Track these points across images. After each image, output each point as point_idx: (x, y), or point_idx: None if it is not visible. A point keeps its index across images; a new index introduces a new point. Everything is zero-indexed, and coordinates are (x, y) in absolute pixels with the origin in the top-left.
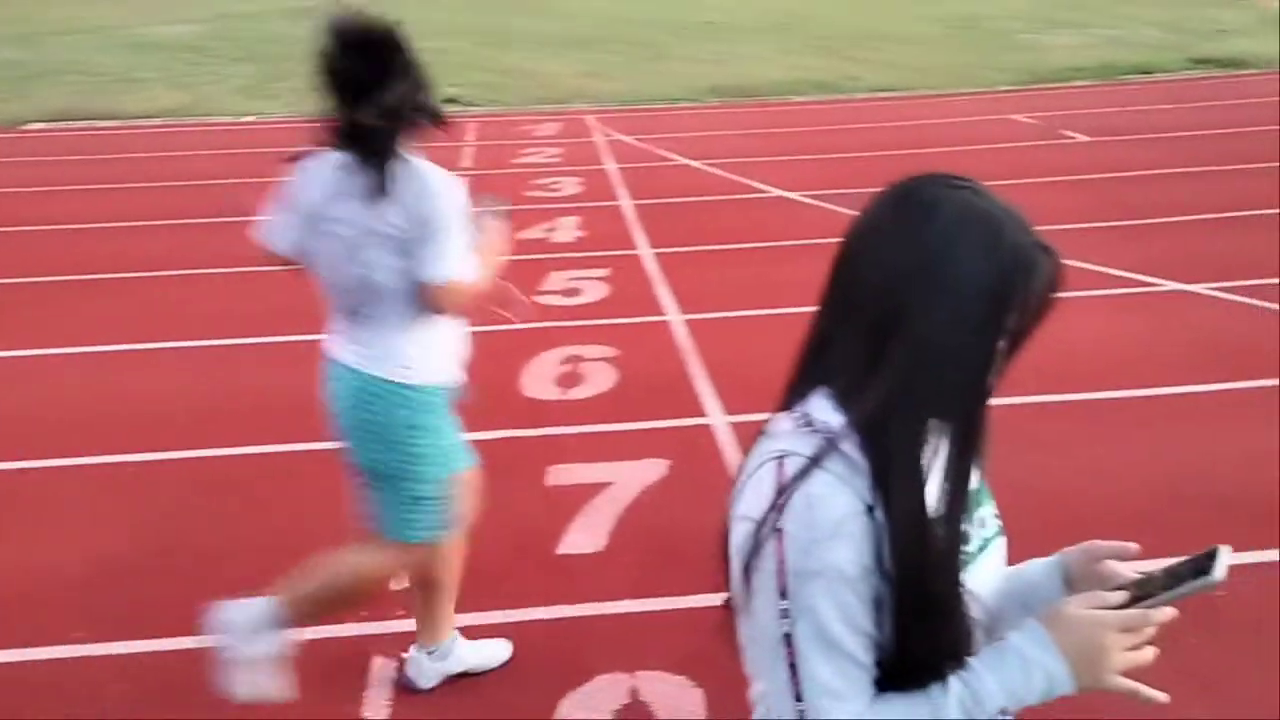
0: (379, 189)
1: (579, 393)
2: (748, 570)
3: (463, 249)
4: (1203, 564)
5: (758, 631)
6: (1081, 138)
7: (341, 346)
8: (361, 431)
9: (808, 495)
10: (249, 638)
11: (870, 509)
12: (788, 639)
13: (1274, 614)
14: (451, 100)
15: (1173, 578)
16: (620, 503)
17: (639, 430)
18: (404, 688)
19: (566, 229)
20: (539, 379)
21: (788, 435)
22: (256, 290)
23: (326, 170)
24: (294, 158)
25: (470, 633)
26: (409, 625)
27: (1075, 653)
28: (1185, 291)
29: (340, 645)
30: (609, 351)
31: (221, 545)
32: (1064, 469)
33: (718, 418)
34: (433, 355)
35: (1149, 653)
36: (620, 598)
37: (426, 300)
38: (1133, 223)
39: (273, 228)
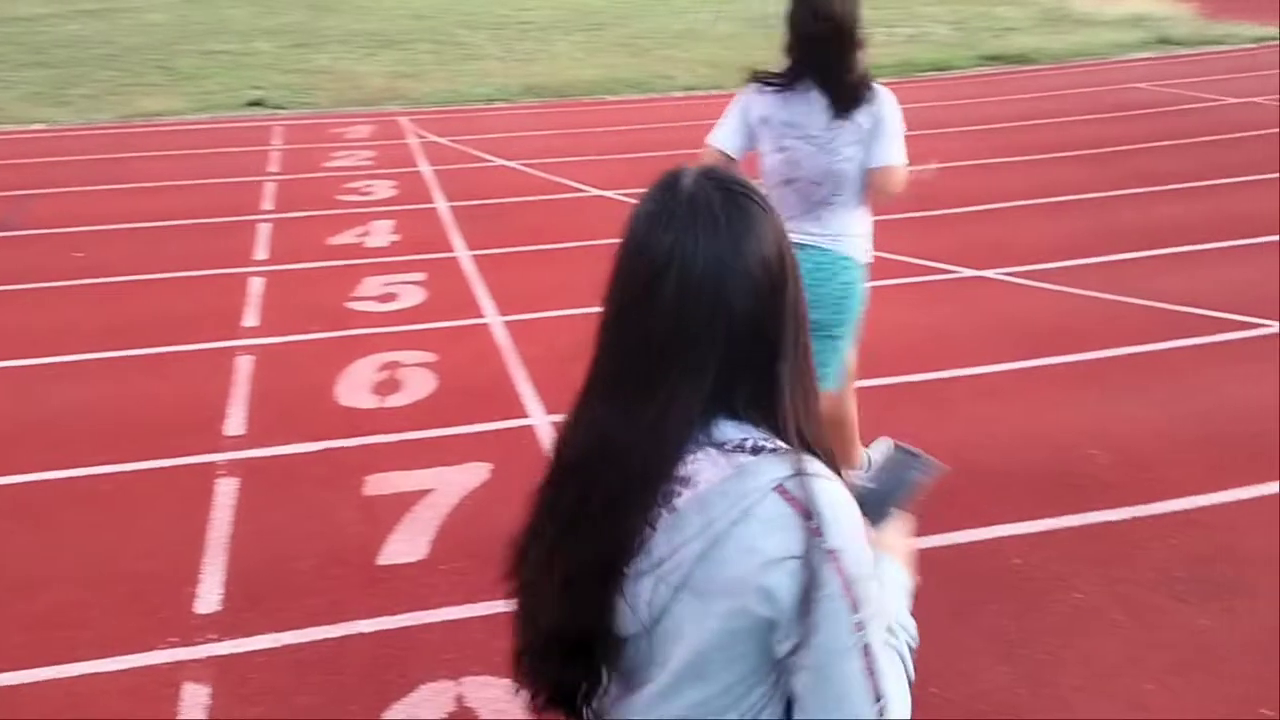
0: (853, 103)
1: (397, 400)
2: (807, 606)
3: (902, 143)
4: (905, 465)
5: (823, 657)
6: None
7: (804, 233)
8: (814, 299)
9: (832, 507)
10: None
11: None
12: (866, 649)
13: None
14: (257, 103)
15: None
16: (442, 509)
17: (460, 435)
18: (219, 716)
19: (381, 233)
20: (355, 387)
21: (752, 465)
22: (48, 306)
23: (791, 93)
24: (753, 80)
25: (290, 652)
26: (221, 649)
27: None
28: (981, 277)
29: (150, 673)
30: (427, 356)
31: (27, 574)
32: None
33: (540, 418)
34: (868, 239)
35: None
36: (444, 605)
37: (878, 182)
38: (933, 213)
39: (724, 137)
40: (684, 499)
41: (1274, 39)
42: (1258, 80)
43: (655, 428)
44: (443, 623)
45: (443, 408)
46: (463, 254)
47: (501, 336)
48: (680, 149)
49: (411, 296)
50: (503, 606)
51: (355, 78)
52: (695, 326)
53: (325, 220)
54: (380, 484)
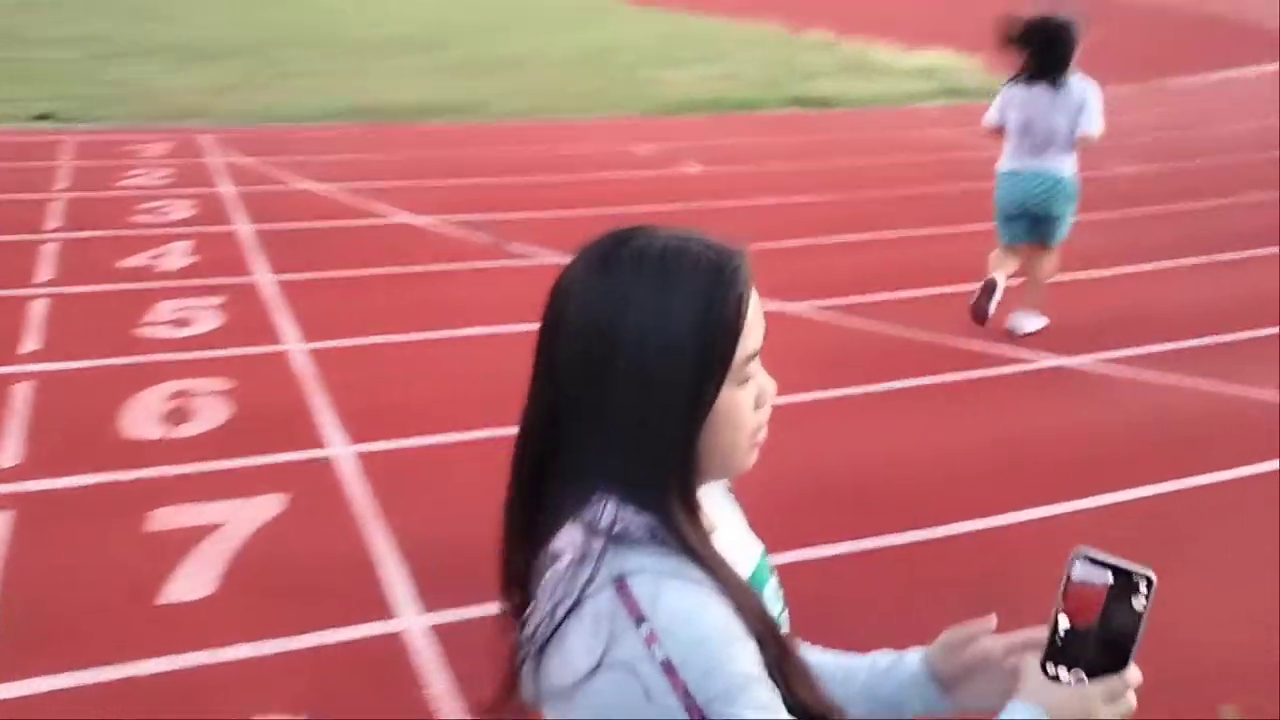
0: (1063, 86)
1: (187, 430)
2: None
3: (1099, 113)
4: (1120, 591)
5: None
6: (697, 166)
7: (1026, 165)
8: (1050, 201)
9: (682, 611)
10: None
11: (724, 596)
12: None
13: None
14: (45, 116)
15: (1106, 625)
16: (232, 543)
17: (254, 466)
18: None
19: (176, 255)
20: (141, 417)
21: (596, 552)
22: None
23: (1026, 86)
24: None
25: (66, 695)
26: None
27: None
28: (785, 313)
29: None
30: (222, 384)
31: None
32: None
33: (341, 448)
34: (1074, 169)
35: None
36: (234, 642)
37: (1079, 140)
38: (754, 245)
39: (993, 118)
40: (549, 575)
41: None
42: None
43: (526, 489)
44: (232, 662)
45: (236, 438)
46: (264, 278)
47: (303, 364)
48: (499, 175)
49: (207, 321)
50: (296, 642)
51: (159, 92)
52: (576, 378)
53: (116, 241)
54: (166, 518)
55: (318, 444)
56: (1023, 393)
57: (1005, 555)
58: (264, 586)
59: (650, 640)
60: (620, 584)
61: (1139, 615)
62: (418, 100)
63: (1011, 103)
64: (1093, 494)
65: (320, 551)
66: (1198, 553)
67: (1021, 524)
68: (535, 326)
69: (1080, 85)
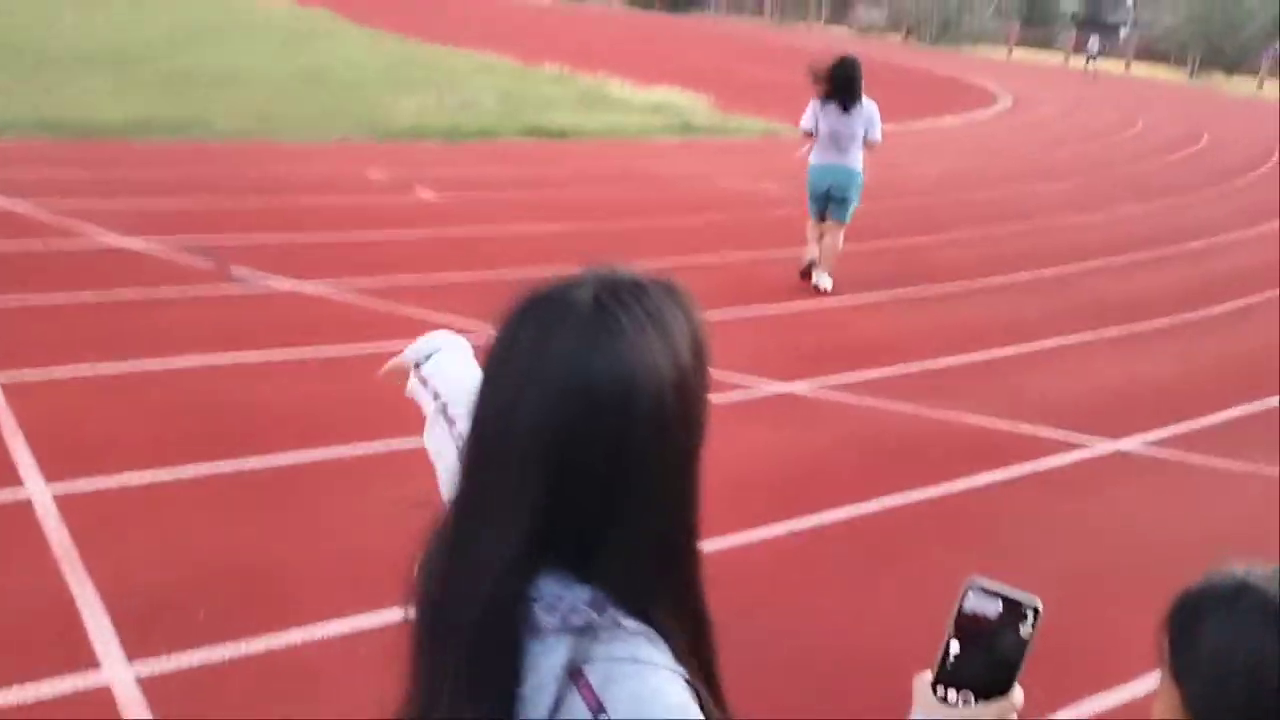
0: (854, 108)
1: None
2: None
3: (879, 125)
4: (1008, 620)
5: None
6: (431, 193)
7: (829, 160)
8: (843, 187)
9: (635, 698)
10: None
11: (688, 680)
12: None
13: None
14: None
15: (989, 645)
16: None
17: None
18: None
19: None
20: None
21: (551, 635)
22: None
23: (828, 104)
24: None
25: None
26: None
27: None
28: None
29: None
30: None
31: None
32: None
33: (39, 489)
34: (862, 165)
35: None
36: None
37: (868, 144)
38: (489, 273)
39: (807, 125)
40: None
41: (777, 132)
42: (764, 167)
43: (484, 563)
44: None
45: None
46: None
47: None
48: (224, 197)
49: None
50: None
51: None
52: (514, 446)
53: None
54: None
55: (12, 483)
56: (743, 419)
57: (719, 579)
58: None
59: None
60: (573, 672)
61: (1025, 642)
62: (124, 116)
63: (821, 116)
64: (805, 514)
65: (17, 600)
66: (904, 568)
67: (739, 548)
68: (259, 355)
69: (868, 105)
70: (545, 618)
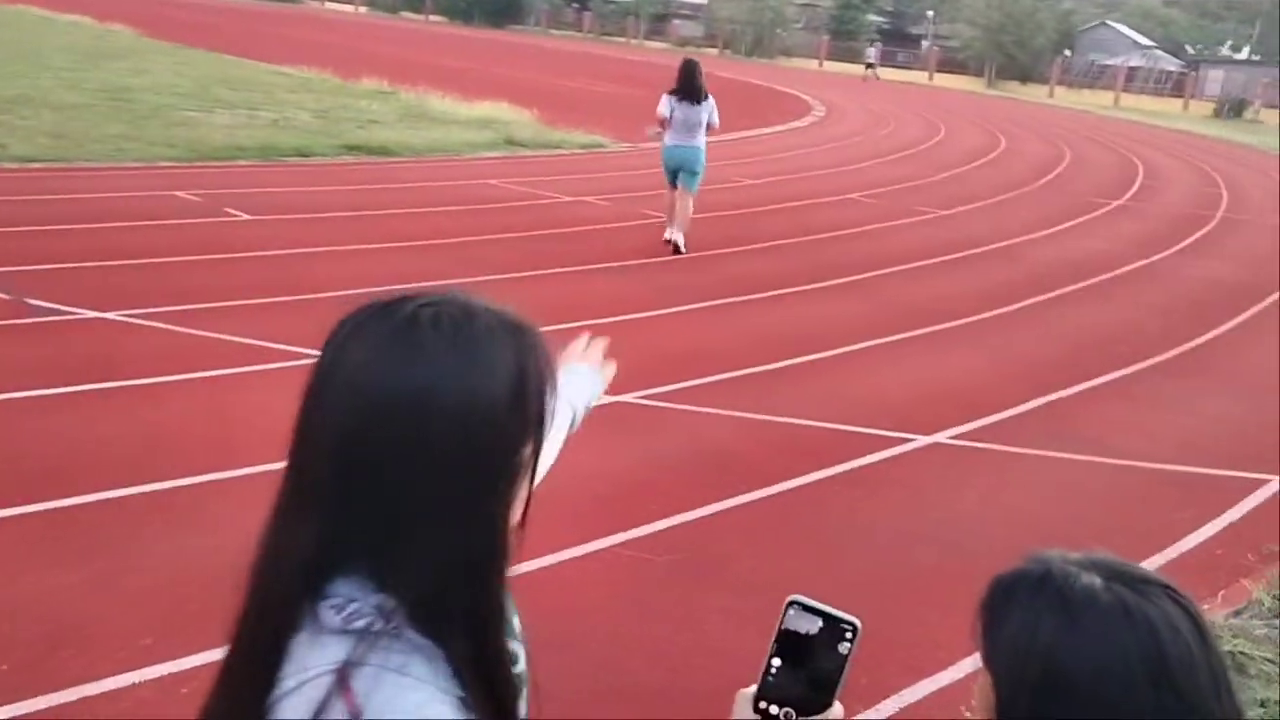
0: (699, 101)
1: None
2: None
3: (717, 114)
4: (827, 636)
5: None
6: (245, 215)
7: (679, 141)
8: (691, 161)
9: (391, 710)
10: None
11: (463, 699)
12: None
13: None
14: None
15: (809, 665)
16: None
17: None
18: None
19: None
20: None
21: (328, 639)
22: None
23: (682, 99)
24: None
25: None
26: None
27: None
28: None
29: None
30: None
31: None
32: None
33: None
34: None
35: None
36: None
37: (709, 129)
38: (301, 297)
39: (663, 112)
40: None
41: (602, 146)
42: (588, 181)
43: (283, 555)
44: None
45: None
46: None
47: None
48: (19, 224)
49: None
50: None
51: None
52: (311, 450)
53: None
54: None
55: None
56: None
57: (565, 595)
58: None
59: None
60: (339, 672)
61: (844, 659)
62: None
63: (674, 107)
64: (631, 527)
65: None
66: (740, 568)
67: (568, 561)
68: (62, 390)
69: (710, 99)
70: (330, 617)
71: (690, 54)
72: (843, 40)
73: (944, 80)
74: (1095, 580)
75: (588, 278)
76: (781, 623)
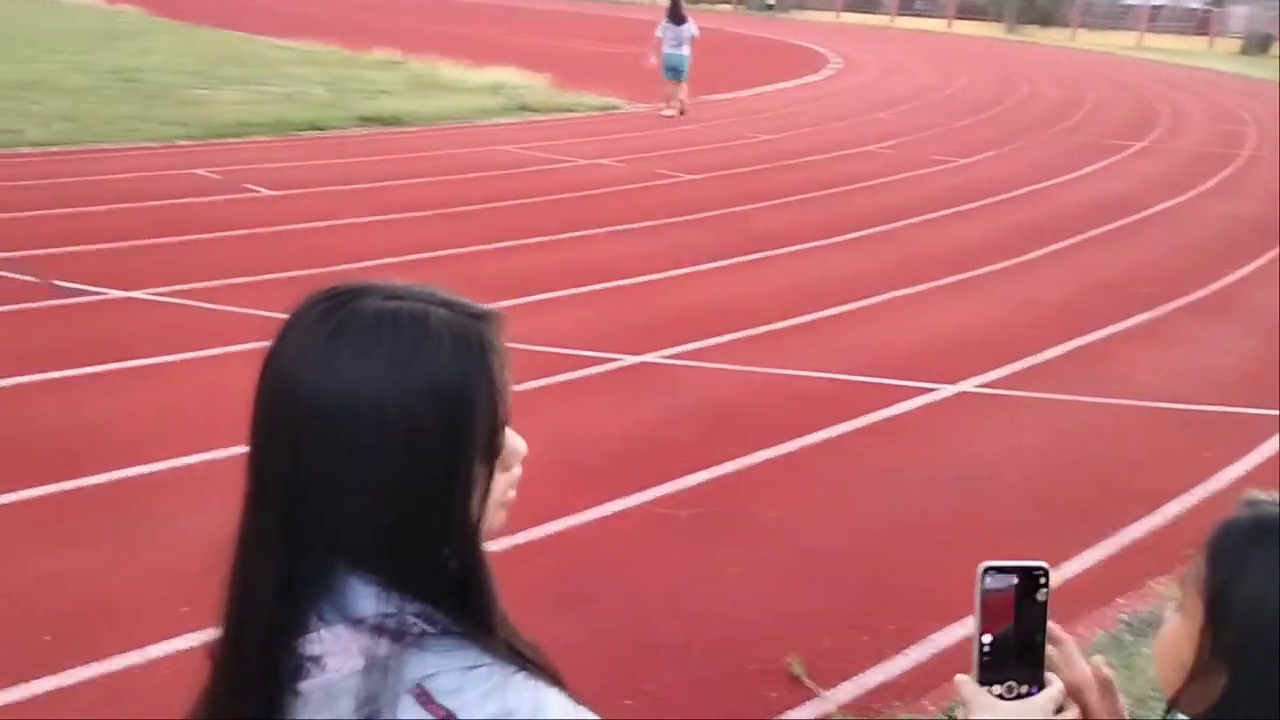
0: (682, 23)
1: None
2: None
3: (696, 29)
4: (1025, 590)
5: None
6: (265, 191)
7: (673, 50)
8: (680, 60)
9: (483, 709)
10: None
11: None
12: None
13: None
14: None
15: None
16: None
17: None
18: None
19: None
20: None
21: (389, 660)
22: None
23: (671, 22)
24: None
25: None
26: None
27: None
28: None
29: None
30: None
31: None
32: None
33: None
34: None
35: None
36: None
37: (690, 40)
38: (304, 272)
39: (660, 34)
40: (311, 683)
41: (615, 107)
42: (602, 143)
43: (258, 591)
44: None
45: None
46: None
47: None
48: (42, 208)
49: None
50: None
51: None
52: (311, 455)
53: None
54: None
55: None
56: (588, 393)
57: (587, 553)
58: None
59: None
60: (419, 690)
61: (1044, 605)
62: None
63: (666, 28)
64: (660, 483)
65: None
66: (761, 520)
67: (592, 520)
68: (91, 369)
69: (690, 21)
70: (368, 626)
71: (704, 10)
72: None
73: (963, 27)
74: None
75: (606, 240)
76: (981, 593)
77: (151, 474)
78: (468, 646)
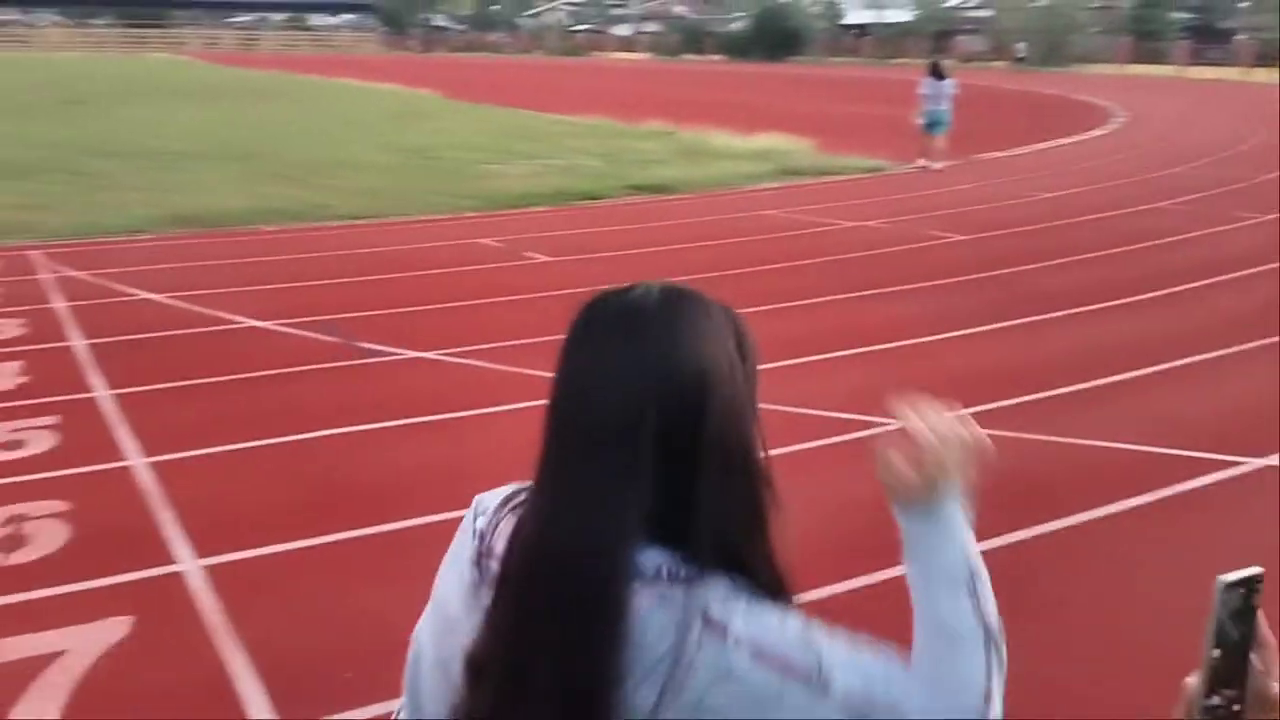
0: (943, 79)
1: (22, 556)
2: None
3: (954, 87)
4: (1245, 599)
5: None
6: (543, 258)
7: (934, 106)
8: (941, 115)
9: (756, 625)
10: None
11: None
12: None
13: None
14: None
15: None
16: (75, 671)
17: (96, 588)
18: None
19: (6, 376)
20: None
21: (677, 594)
22: None
23: (933, 78)
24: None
25: None
26: None
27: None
28: None
29: None
30: (59, 506)
31: None
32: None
33: (190, 563)
34: (949, 107)
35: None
36: None
37: (950, 98)
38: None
39: (922, 91)
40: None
41: (881, 169)
42: (869, 205)
43: (597, 533)
44: None
45: (76, 560)
46: (102, 393)
47: (146, 478)
48: (346, 276)
49: (41, 442)
50: None
51: None
52: (609, 435)
53: None
54: (2, 650)
55: (164, 560)
56: (858, 457)
57: (851, 622)
58: (112, 712)
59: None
60: (704, 616)
61: (1255, 610)
62: (247, 206)
63: (928, 84)
64: None
65: (172, 673)
66: (1047, 595)
67: (865, 588)
68: (390, 424)
69: (949, 78)
70: (653, 577)
71: (975, 69)
72: (1146, 41)
73: (1261, 75)
74: None
75: (870, 303)
76: (1217, 607)
77: (445, 521)
78: (725, 591)
